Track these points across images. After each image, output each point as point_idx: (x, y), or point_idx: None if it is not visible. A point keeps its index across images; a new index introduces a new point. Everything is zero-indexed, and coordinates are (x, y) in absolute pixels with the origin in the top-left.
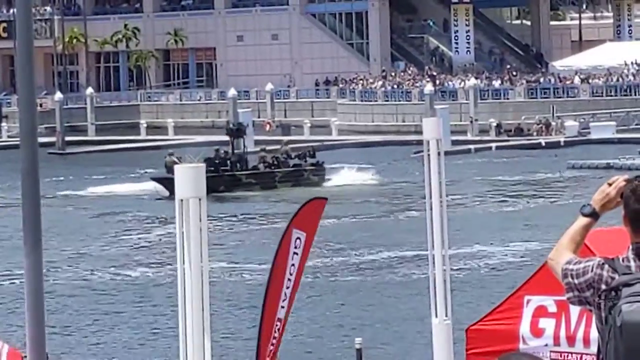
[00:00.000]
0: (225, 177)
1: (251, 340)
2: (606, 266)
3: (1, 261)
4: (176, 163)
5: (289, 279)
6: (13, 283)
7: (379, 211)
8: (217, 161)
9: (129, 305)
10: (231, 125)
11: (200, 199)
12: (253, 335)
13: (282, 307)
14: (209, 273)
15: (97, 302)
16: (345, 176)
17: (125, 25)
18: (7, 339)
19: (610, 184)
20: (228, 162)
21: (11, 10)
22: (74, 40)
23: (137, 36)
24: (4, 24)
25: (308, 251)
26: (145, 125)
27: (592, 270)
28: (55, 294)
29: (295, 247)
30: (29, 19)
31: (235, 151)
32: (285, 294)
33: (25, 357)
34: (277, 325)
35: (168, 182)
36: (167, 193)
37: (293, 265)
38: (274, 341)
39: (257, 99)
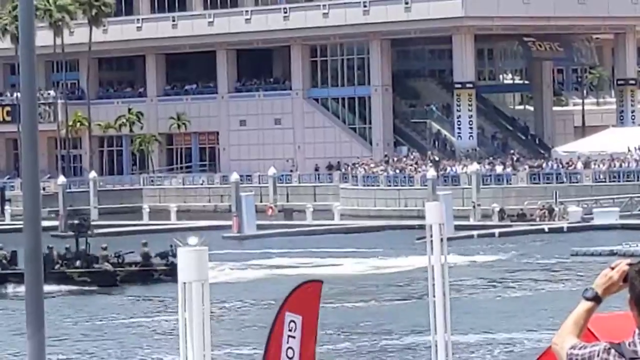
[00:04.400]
0: (52, 275)
1: None
2: (612, 351)
3: (3, 346)
4: (6, 257)
5: None
6: None
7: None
8: (44, 258)
9: None
10: (72, 221)
11: (203, 283)
12: None
13: None
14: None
15: None
16: (221, 275)
17: (129, 110)
18: None
19: (612, 268)
20: (59, 259)
21: (15, 94)
22: (78, 124)
23: (140, 120)
24: (8, 108)
25: (311, 334)
26: (147, 209)
27: (597, 355)
28: None
29: (290, 330)
30: (33, 103)
31: (80, 248)
32: None
33: None
34: None
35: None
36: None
37: (290, 348)
38: None
39: (259, 183)
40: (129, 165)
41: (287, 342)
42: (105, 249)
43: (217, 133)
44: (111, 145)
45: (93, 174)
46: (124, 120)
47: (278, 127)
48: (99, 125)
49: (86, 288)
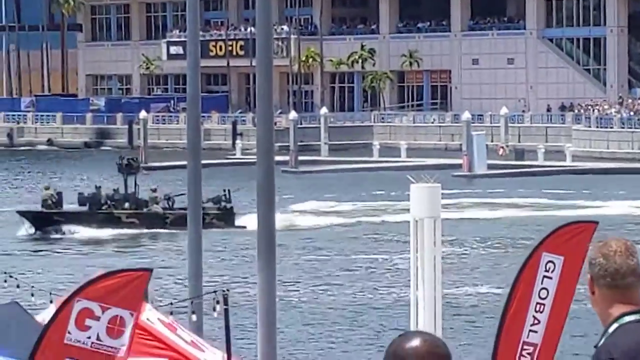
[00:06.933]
0: (99, 216)
1: None
2: None
3: (239, 274)
4: (53, 197)
5: (538, 303)
6: (247, 299)
7: None
8: (91, 198)
9: (358, 326)
10: (121, 161)
11: (435, 220)
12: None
13: (534, 331)
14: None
15: (326, 321)
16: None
17: (362, 46)
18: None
19: None
20: (107, 200)
21: (249, 29)
22: (310, 60)
23: (372, 57)
24: (241, 42)
25: (573, 277)
26: (377, 146)
27: None
28: (285, 310)
29: (547, 271)
30: (268, 38)
31: (129, 190)
32: (536, 318)
33: None
34: (525, 349)
35: (33, 217)
36: (32, 230)
37: (545, 289)
38: None
39: (490, 123)
40: (359, 102)
41: (542, 283)
42: (154, 190)
43: (449, 71)
44: (342, 81)
45: (324, 110)
46: (356, 57)
47: (511, 66)
48: (331, 61)
49: (134, 230)
